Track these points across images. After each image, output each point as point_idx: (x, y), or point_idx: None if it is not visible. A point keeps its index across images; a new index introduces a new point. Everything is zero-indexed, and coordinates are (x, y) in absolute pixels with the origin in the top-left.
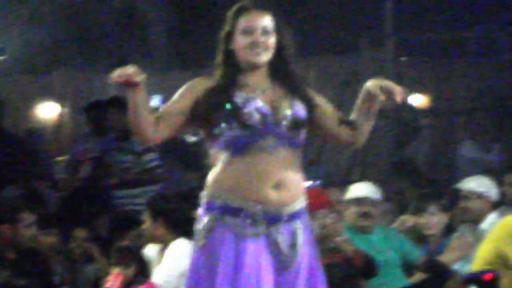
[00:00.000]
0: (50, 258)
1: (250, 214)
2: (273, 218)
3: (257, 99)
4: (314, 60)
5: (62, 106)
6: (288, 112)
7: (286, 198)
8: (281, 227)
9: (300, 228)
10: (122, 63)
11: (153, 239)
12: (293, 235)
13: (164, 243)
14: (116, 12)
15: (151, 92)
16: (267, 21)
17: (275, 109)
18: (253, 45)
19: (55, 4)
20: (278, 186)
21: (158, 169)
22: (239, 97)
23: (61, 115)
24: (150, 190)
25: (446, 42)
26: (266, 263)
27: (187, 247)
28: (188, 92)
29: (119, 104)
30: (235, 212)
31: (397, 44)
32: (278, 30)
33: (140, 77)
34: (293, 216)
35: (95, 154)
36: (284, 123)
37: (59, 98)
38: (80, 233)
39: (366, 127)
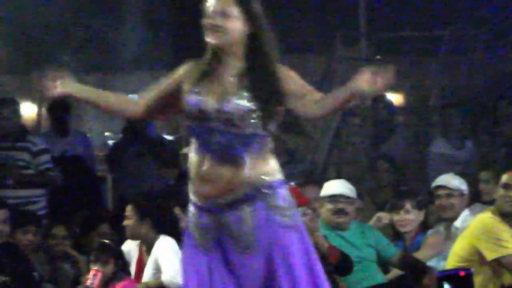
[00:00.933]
0: (30, 255)
1: (198, 207)
2: (213, 209)
3: (202, 91)
4: (288, 58)
5: (40, 106)
6: (222, 106)
7: (213, 191)
8: (226, 215)
9: (249, 212)
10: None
11: (135, 237)
12: (241, 220)
13: (147, 240)
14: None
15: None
16: (225, 4)
17: (218, 103)
18: (207, 27)
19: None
20: (204, 179)
21: (51, 172)
22: (195, 89)
23: (39, 115)
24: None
25: (420, 40)
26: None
27: (172, 243)
28: (175, 73)
29: (11, 103)
30: (192, 203)
31: (371, 42)
32: (248, 17)
33: (61, 86)
34: (235, 204)
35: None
36: (217, 117)
37: (38, 99)
38: (59, 230)
39: (330, 105)
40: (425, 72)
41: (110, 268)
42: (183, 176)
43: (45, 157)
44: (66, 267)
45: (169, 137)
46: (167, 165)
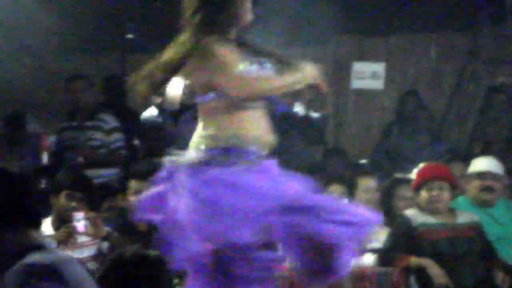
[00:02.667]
0: None
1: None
2: None
3: None
4: (434, 36)
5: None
6: None
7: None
8: None
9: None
10: None
11: None
12: None
13: None
14: None
15: None
16: None
17: None
18: None
19: None
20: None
21: (122, 150)
22: None
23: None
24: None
25: None
26: None
27: None
28: None
29: (81, 79)
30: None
31: None
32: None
33: None
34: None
35: None
36: None
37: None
38: None
39: None
40: None
41: None
42: (329, 153)
43: (117, 136)
44: None
45: (315, 115)
46: (313, 142)
